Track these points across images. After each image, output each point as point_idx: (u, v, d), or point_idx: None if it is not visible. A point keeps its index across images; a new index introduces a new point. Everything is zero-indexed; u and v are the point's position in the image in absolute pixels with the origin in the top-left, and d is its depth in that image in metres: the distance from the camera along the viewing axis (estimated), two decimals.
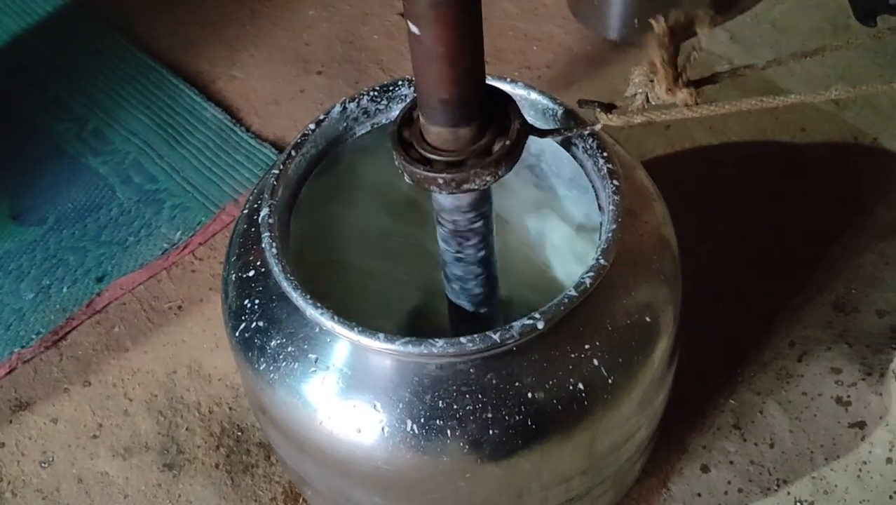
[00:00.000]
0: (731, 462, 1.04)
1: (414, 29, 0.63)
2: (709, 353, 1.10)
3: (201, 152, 1.38)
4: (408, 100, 0.87)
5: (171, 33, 1.56)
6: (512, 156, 0.70)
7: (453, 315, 0.88)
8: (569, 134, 0.79)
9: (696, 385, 1.07)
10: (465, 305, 0.85)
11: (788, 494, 1.01)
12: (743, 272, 1.19)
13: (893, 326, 1.11)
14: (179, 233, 1.29)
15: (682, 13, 0.65)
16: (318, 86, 1.47)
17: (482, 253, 0.80)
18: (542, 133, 0.76)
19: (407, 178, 0.71)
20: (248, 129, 1.41)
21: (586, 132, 0.78)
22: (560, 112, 0.82)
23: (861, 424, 1.04)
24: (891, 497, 0.99)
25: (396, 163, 0.71)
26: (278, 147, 1.37)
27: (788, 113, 1.35)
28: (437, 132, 0.69)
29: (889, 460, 1.01)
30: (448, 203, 0.75)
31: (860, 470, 1.01)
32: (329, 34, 1.54)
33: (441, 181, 0.69)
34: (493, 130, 0.70)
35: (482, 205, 0.76)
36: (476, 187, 0.70)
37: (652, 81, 0.68)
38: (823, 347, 1.10)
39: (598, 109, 0.71)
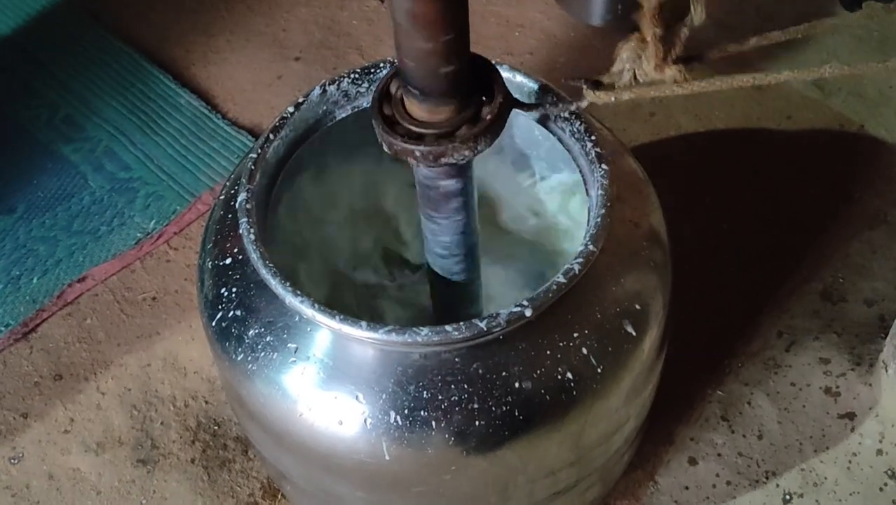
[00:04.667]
0: (719, 454, 1.02)
1: None
2: (696, 343, 1.09)
3: (176, 140, 1.35)
4: None
5: (144, 18, 1.53)
6: (493, 131, 0.68)
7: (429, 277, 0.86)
8: (553, 110, 0.77)
9: (684, 376, 1.05)
10: (432, 263, 0.83)
11: (777, 486, 1.00)
12: (730, 261, 1.18)
13: (882, 315, 1.10)
14: (153, 222, 1.26)
15: None
16: (296, 72, 1.44)
17: (448, 221, 0.77)
18: (526, 107, 0.74)
19: (385, 148, 0.69)
20: (224, 117, 1.38)
21: (572, 108, 0.76)
22: (544, 91, 0.80)
23: (850, 415, 1.03)
24: (881, 489, 0.98)
25: (375, 131, 0.69)
26: (255, 134, 1.35)
27: (774, 100, 1.34)
28: (415, 104, 0.67)
29: (879, 452, 1.00)
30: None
31: (850, 461, 1.00)
32: (307, 19, 1.51)
33: (418, 153, 0.67)
34: (476, 104, 0.67)
35: (456, 174, 0.72)
36: (455, 161, 0.68)
37: (640, 58, 0.67)
38: (812, 337, 1.09)
39: (585, 86, 0.69)
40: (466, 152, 0.67)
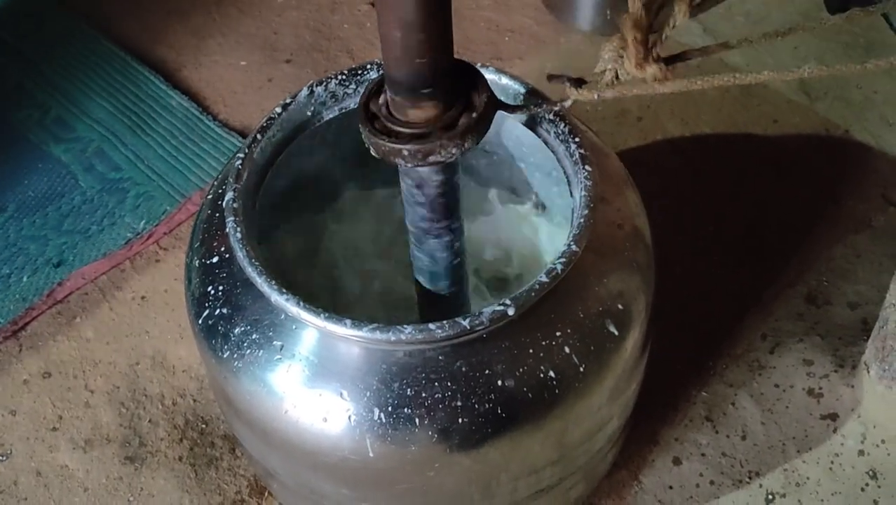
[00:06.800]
0: (703, 454, 1.03)
1: None
2: (681, 344, 1.10)
3: (167, 141, 1.36)
4: None
5: (136, 20, 1.53)
6: (478, 129, 0.68)
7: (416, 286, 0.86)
8: (537, 110, 0.78)
9: (668, 377, 1.06)
10: (423, 281, 0.83)
11: (760, 486, 1.00)
12: (715, 264, 1.19)
13: (865, 318, 1.11)
14: (144, 222, 1.27)
15: None
16: (287, 74, 1.45)
17: (441, 229, 0.77)
18: (510, 108, 0.74)
19: (373, 152, 0.69)
20: (214, 118, 1.38)
21: (556, 108, 0.76)
22: (530, 94, 0.81)
23: (833, 416, 1.03)
24: (862, 489, 0.99)
25: (363, 135, 0.70)
26: (245, 136, 1.35)
27: (760, 105, 1.35)
28: (400, 104, 0.67)
29: (861, 452, 1.01)
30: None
31: (832, 462, 1.01)
32: (298, 22, 1.52)
33: (406, 152, 0.68)
34: (460, 104, 0.68)
35: (445, 174, 0.73)
36: (442, 160, 0.68)
37: (622, 57, 0.67)
38: (795, 339, 1.10)
39: (568, 84, 0.70)
40: (454, 150, 0.68)
